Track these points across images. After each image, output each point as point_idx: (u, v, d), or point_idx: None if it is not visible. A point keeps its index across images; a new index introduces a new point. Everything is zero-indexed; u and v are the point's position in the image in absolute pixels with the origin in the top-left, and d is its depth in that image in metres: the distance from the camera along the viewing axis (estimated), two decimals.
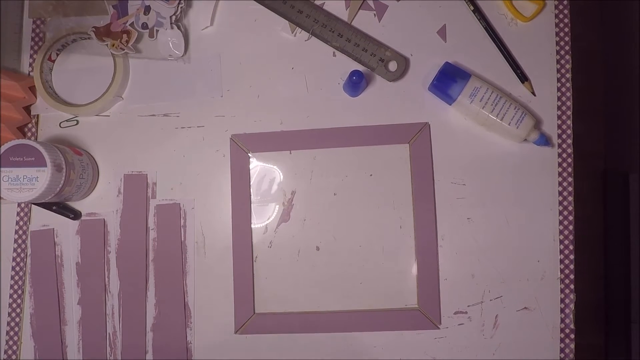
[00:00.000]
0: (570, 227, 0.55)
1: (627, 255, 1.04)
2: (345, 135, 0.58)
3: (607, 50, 1.21)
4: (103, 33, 0.59)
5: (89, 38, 0.60)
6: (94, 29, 0.59)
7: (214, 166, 0.60)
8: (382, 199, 0.57)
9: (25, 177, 0.52)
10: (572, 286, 0.55)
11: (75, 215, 0.60)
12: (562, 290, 0.55)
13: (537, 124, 0.56)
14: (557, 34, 0.57)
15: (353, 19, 0.59)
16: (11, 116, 0.60)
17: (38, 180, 0.52)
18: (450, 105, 0.57)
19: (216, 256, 0.59)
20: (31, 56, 0.63)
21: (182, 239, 0.59)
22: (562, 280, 0.55)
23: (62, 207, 0.60)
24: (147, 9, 0.58)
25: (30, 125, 0.62)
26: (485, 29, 0.57)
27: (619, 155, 1.15)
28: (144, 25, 0.59)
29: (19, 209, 0.61)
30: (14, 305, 0.60)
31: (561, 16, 0.57)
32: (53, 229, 0.60)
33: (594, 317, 1.17)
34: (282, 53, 0.60)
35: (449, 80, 0.55)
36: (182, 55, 0.60)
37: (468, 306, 0.56)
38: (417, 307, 0.56)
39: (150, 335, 0.58)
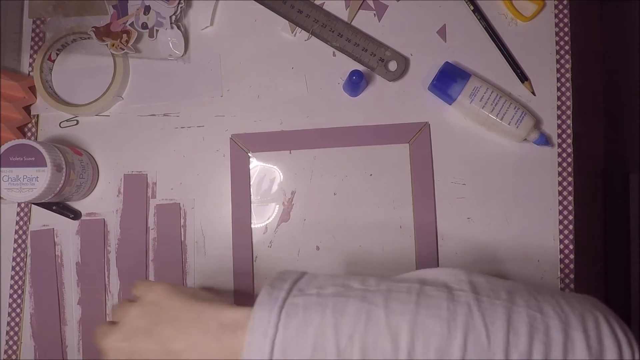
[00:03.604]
0: (570, 227, 0.55)
1: (627, 255, 1.04)
2: (345, 135, 0.58)
3: (607, 50, 1.21)
4: (103, 33, 0.59)
5: (89, 38, 0.60)
6: (94, 29, 0.59)
7: (214, 166, 0.60)
8: (382, 199, 0.57)
9: (25, 177, 0.52)
10: (572, 286, 0.55)
11: (75, 215, 0.60)
12: (562, 290, 0.55)
13: (537, 123, 0.56)
14: (557, 34, 0.57)
15: (353, 18, 0.59)
16: (11, 116, 0.60)
17: (38, 180, 0.52)
18: (450, 105, 0.57)
19: (216, 256, 0.59)
20: (31, 56, 0.63)
21: (182, 239, 0.59)
22: (562, 280, 0.55)
23: (62, 207, 0.60)
24: (147, 9, 0.58)
25: (30, 125, 0.62)
26: (485, 29, 0.57)
27: (619, 155, 1.15)
28: (144, 25, 0.59)
29: (19, 209, 0.61)
30: (14, 305, 0.60)
31: (561, 16, 0.57)
32: (53, 229, 0.60)
33: None
34: (282, 53, 0.60)
35: (449, 80, 0.55)
36: (182, 55, 0.60)
37: None
38: None
39: None
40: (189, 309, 0.38)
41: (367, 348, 0.33)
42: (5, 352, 0.60)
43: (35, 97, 0.62)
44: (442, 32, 0.59)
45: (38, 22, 0.63)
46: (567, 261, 0.55)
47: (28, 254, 0.61)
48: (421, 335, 0.33)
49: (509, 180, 0.56)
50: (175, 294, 0.40)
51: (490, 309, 0.34)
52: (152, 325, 0.38)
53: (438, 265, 0.56)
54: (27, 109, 0.62)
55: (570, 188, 0.56)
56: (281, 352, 0.33)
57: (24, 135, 0.62)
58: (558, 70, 0.57)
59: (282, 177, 0.59)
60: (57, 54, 0.62)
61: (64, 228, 0.60)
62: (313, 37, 0.59)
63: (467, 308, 0.34)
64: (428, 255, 0.56)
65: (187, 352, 0.36)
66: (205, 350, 0.35)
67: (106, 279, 0.59)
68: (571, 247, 0.55)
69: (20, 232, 0.61)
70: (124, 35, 0.58)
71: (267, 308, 0.35)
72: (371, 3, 0.59)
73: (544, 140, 0.55)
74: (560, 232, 0.55)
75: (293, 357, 0.33)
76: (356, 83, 0.55)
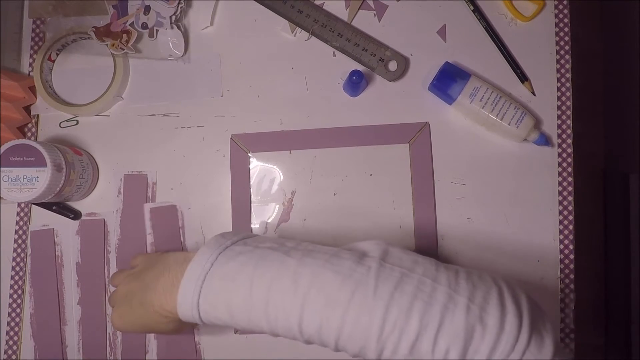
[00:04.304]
0: (570, 227, 0.55)
1: (627, 255, 1.04)
2: (345, 135, 0.58)
3: (607, 50, 1.21)
4: (103, 33, 0.59)
5: (89, 38, 0.60)
6: (94, 29, 0.59)
7: (214, 166, 0.60)
8: (382, 199, 0.57)
9: (25, 177, 0.52)
10: (572, 286, 0.55)
11: (75, 215, 0.60)
12: (562, 290, 0.55)
13: (537, 123, 0.56)
14: (557, 34, 0.57)
15: (353, 18, 0.59)
16: (11, 116, 0.60)
17: (38, 180, 0.52)
18: (450, 105, 0.57)
19: None
20: (31, 56, 0.63)
21: (182, 240, 0.59)
22: (562, 280, 0.55)
23: (62, 207, 0.60)
24: (147, 9, 0.58)
25: (30, 125, 0.62)
26: (485, 29, 0.57)
27: (619, 155, 1.15)
28: (144, 25, 0.59)
29: (19, 209, 0.61)
30: (14, 305, 0.60)
31: (561, 16, 0.57)
32: (53, 229, 0.60)
33: (594, 317, 1.17)
34: (282, 53, 0.60)
35: (449, 80, 0.55)
36: (182, 55, 0.60)
37: None
38: None
39: (153, 334, 0.58)
40: (165, 257, 0.48)
41: (272, 285, 0.40)
42: (5, 352, 0.60)
43: (35, 97, 0.62)
44: (442, 32, 0.59)
45: (38, 22, 0.63)
46: (567, 261, 0.55)
47: (28, 254, 0.61)
48: (318, 283, 0.39)
49: (509, 180, 0.56)
50: (159, 253, 0.51)
51: (387, 272, 0.39)
52: (140, 273, 0.48)
53: None
54: (27, 109, 0.62)
55: (570, 188, 0.56)
56: (209, 282, 0.41)
57: (24, 135, 0.62)
58: (558, 70, 0.57)
59: (282, 177, 0.59)
60: (57, 54, 0.62)
61: (64, 228, 0.60)
62: (313, 37, 0.59)
63: (366, 268, 0.39)
64: (428, 255, 0.56)
65: (153, 281, 0.45)
66: (163, 279, 0.44)
67: (106, 279, 0.59)
68: (571, 247, 0.55)
69: (20, 232, 0.61)
70: (124, 35, 0.58)
71: (210, 249, 0.43)
72: (371, 3, 0.59)
73: (544, 140, 0.55)
74: (560, 232, 0.56)
75: (217, 285, 0.41)
76: (356, 83, 0.55)
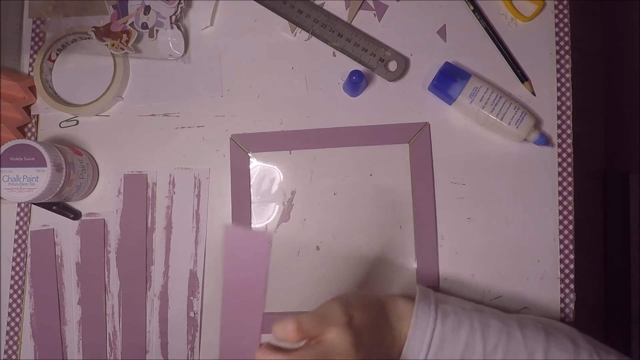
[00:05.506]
0: (570, 227, 0.55)
1: (627, 255, 1.04)
2: (345, 135, 0.58)
3: (607, 50, 1.21)
4: (103, 33, 0.59)
5: (89, 38, 0.60)
6: (94, 29, 0.59)
7: (214, 166, 0.60)
8: (382, 199, 0.57)
9: (25, 177, 0.52)
10: (572, 286, 0.55)
11: (75, 215, 0.60)
12: (562, 290, 0.55)
13: (537, 123, 0.56)
14: (557, 34, 0.57)
15: (353, 19, 0.59)
16: (11, 116, 0.60)
17: (38, 180, 0.52)
18: (450, 105, 0.57)
19: (216, 256, 0.59)
20: (31, 56, 0.63)
21: (196, 240, 0.59)
22: (562, 280, 0.55)
23: (62, 207, 0.60)
24: (147, 9, 0.58)
25: (30, 125, 0.62)
26: (485, 29, 0.57)
27: (619, 155, 1.15)
28: (144, 25, 0.59)
29: (19, 209, 0.61)
30: (14, 305, 0.60)
31: (561, 16, 0.57)
32: (53, 229, 0.60)
33: (594, 317, 1.17)
34: (282, 53, 0.60)
35: (449, 80, 0.55)
36: (182, 55, 0.60)
37: None
38: None
39: (155, 331, 0.58)
40: (380, 315, 0.44)
41: (507, 357, 0.41)
42: (5, 352, 0.60)
43: (35, 97, 0.62)
44: (442, 32, 0.59)
45: (38, 22, 0.63)
46: (567, 261, 0.55)
47: (28, 254, 0.61)
48: None
49: (509, 180, 0.56)
50: (361, 308, 0.43)
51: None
52: (376, 331, 0.42)
53: (438, 265, 0.56)
54: (27, 109, 0.62)
55: (570, 188, 0.56)
56: (438, 343, 0.41)
57: (24, 135, 0.62)
58: (558, 71, 0.57)
59: (282, 177, 0.59)
60: (57, 54, 0.62)
61: (64, 228, 0.60)
62: (313, 37, 0.59)
63: (588, 353, 0.43)
64: (428, 255, 0.56)
65: (382, 334, 0.43)
66: (386, 337, 0.43)
67: (106, 279, 0.59)
68: (571, 247, 0.55)
69: (20, 232, 0.61)
70: (124, 35, 0.58)
71: (426, 304, 0.43)
72: (371, 3, 0.59)
73: (544, 140, 0.55)
74: (560, 232, 0.55)
75: (447, 349, 0.41)
76: (356, 83, 0.55)
